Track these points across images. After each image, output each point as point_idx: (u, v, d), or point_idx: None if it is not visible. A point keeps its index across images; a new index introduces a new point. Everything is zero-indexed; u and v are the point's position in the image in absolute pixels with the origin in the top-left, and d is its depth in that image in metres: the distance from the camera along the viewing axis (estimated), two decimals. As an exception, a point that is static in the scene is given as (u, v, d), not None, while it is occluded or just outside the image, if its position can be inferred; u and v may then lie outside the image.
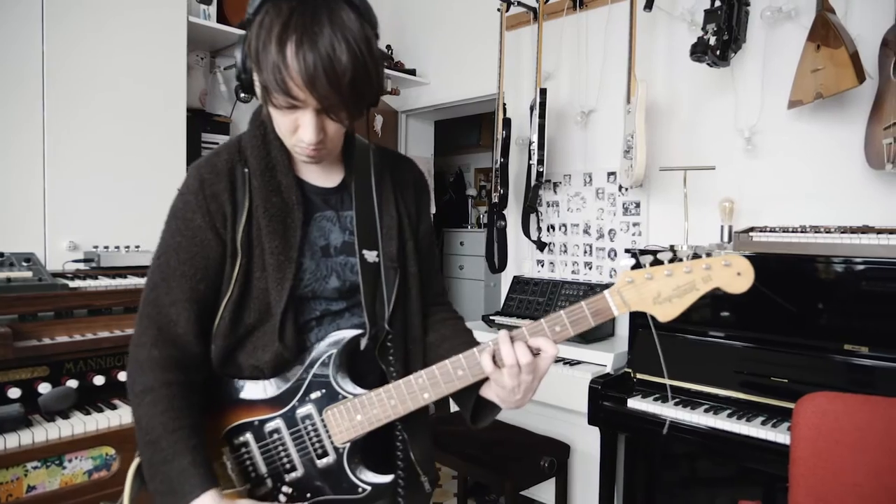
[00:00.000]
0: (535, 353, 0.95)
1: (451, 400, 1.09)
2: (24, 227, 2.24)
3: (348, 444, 1.01)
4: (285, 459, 1.02)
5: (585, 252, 2.97)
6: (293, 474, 1.02)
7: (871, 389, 1.76)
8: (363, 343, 1.04)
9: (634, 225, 2.78)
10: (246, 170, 1.01)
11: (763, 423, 1.87)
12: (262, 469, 1.02)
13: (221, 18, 2.90)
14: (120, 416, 1.65)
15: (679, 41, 2.60)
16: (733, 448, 1.88)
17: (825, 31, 2.06)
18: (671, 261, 0.92)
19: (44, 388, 1.63)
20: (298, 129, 0.93)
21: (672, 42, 2.65)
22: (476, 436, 2.46)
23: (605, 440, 2.29)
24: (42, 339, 1.67)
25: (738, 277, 0.90)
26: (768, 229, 2.17)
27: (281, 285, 0.99)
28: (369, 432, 1.01)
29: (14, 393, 1.61)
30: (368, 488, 1.01)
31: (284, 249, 0.99)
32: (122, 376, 1.76)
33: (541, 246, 3.05)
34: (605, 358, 2.43)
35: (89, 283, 1.79)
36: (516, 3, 3.00)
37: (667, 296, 0.92)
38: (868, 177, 2.14)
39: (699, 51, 2.24)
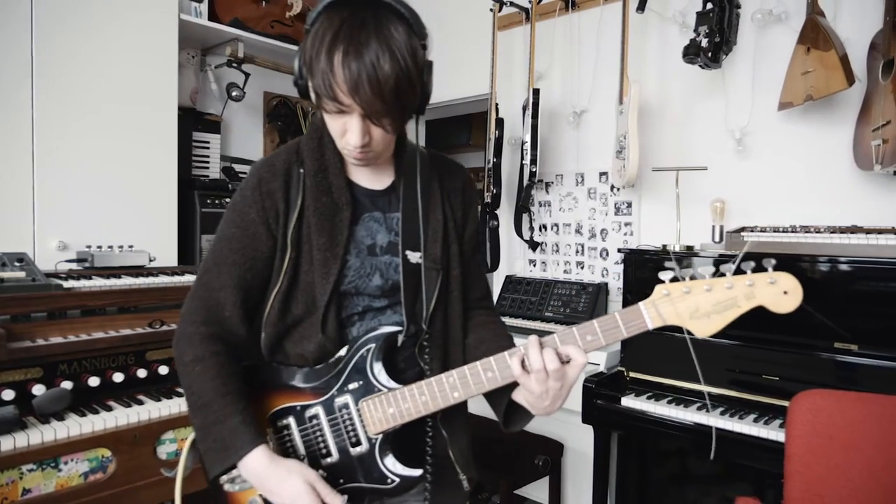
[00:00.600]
0: (565, 360, 0.96)
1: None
2: (12, 227, 2.22)
3: (381, 436, 1.05)
4: (322, 444, 1.07)
5: (577, 251, 2.98)
6: (328, 459, 1.07)
7: (860, 387, 1.79)
8: (400, 339, 1.09)
9: (626, 225, 2.80)
10: (301, 170, 1.09)
11: (755, 420, 1.89)
12: (301, 451, 1.08)
13: (213, 16, 2.88)
14: (115, 417, 1.63)
15: (670, 42, 2.63)
16: (725, 445, 1.90)
17: (815, 35, 2.09)
18: (713, 275, 0.90)
19: (38, 389, 1.61)
20: (346, 133, 0.99)
21: (663, 43, 2.67)
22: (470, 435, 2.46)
23: (599, 438, 2.30)
24: (36, 340, 1.65)
25: (784, 296, 0.86)
26: (759, 229, 2.20)
27: (326, 280, 1.05)
28: (404, 426, 1.05)
29: (8, 395, 1.59)
30: (397, 480, 1.05)
31: (331, 246, 1.06)
32: (117, 377, 1.75)
33: (533, 245, 3.06)
34: (598, 357, 2.44)
35: (83, 284, 1.77)
36: (508, 4, 3.00)
37: (705, 311, 0.89)
38: (857, 177, 2.17)
39: (692, 52, 2.26)
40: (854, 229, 2.01)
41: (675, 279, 0.91)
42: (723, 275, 0.89)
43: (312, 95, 1.00)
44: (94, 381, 1.69)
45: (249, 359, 1.13)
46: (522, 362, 0.97)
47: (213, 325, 1.06)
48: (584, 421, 2.26)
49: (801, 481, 1.45)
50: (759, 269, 0.88)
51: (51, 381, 1.65)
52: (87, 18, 2.39)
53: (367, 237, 1.10)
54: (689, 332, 0.91)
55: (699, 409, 2.00)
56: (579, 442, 2.57)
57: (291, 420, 1.08)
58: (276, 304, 1.07)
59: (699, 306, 0.89)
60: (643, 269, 2.36)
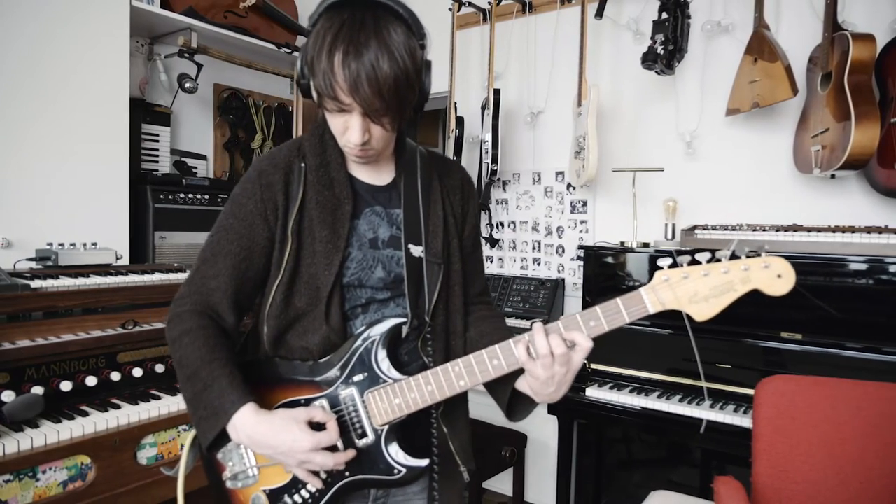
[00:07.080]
0: (569, 346, 0.99)
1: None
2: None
3: (386, 427, 1.06)
4: None
5: (534, 248, 3.07)
6: (334, 452, 1.05)
7: (805, 372, 1.95)
8: (405, 331, 1.11)
9: (582, 223, 2.91)
10: (303, 164, 1.11)
11: (711, 406, 2.03)
12: None
13: (164, 4, 2.77)
14: (94, 423, 1.55)
15: (624, 48, 2.75)
16: (684, 429, 2.02)
17: (762, 46, 2.25)
18: (709, 261, 0.93)
19: (6, 396, 1.51)
20: (347, 131, 1.02)
21: (618, 49, 2.79)
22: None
23: (563, 428, 2.40)
24: (1, 344, 1.55)
25: (778, 280, 0.89)
26: (710, 227, 2.34)
27: (328, 270, 1.07)
28: (408, 417, 1.06)
29: (-27, 403, 1.49)
30: (403, 470, 1.06)
31: (333, 239, 1.08)
32: (90, 381, 1.67)
33: (492, 242, 3.13)
34: (560, 350, 2.53)
35: (51, 283, 1.67)
36: (467, 4, 3.05)
37: (704, 295, 0.92)
38: (797, 180, 2.35)
39: (650, 59, 2.38)
40: (795, 227, 2.18)
41: (673, 266, 0.95)
42: (718, 260, 0.93)
43: (314, 94, 1.02)
44: (66, 386, 1.60)
45: (243, 355, 1.14)
46: (528, 349, 1.00)
47: (201, 305, 1.07)
48: (550, 412, 2.35)
49: (768, 459, 1.59)
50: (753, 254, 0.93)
51: (19, 387, 1.55)
52: (32, 2, 2.25)
53: (369, 231, 1.12)
54: (689, 317, 0.94)
55: (658, 397, 2.12)
56: (541, 433, 2.66)
57: None
58: (277, 296, 1.08)
59: (697, 291, 0.93)
60: (602, 265, 2.47)
